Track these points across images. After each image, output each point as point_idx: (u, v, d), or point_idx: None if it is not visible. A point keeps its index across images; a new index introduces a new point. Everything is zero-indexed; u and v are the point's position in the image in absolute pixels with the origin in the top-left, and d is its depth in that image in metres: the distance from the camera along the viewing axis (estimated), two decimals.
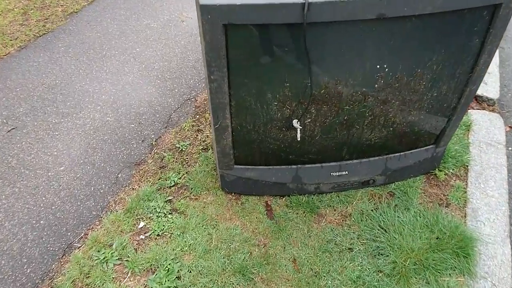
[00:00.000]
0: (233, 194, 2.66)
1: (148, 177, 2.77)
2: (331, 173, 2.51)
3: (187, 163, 2.83)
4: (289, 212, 2.53)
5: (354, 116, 2.16)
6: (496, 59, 3.73)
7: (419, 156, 2.58)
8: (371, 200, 2.59)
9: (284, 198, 2.62)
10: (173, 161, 2.84)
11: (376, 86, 2.03)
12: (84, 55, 3.85)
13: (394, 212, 2.48)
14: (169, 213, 2.53)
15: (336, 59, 1.90)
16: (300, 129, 2.14)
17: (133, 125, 3.16)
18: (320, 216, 2.52)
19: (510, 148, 2.96)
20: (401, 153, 2.53)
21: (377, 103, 2.12)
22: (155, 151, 2.96)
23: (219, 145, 2.31)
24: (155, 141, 3.04)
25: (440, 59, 1.96)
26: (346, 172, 2.52)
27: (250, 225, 2.46)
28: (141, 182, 2.74)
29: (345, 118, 2.16)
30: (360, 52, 1.87)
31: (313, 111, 2.11)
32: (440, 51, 1.92)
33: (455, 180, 2.69)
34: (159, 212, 2.53)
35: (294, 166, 2.47)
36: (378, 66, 1.94)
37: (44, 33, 4.19)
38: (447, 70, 2.02)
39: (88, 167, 2.86)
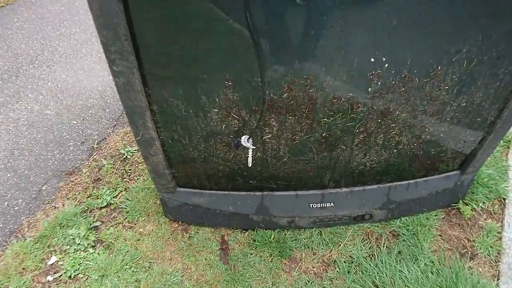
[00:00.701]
0: (180, 223, 1.99)
1: (77, 193, 2.13)
2: (310, 205, 1.80)
3: (128, 176, 2.17)
4: (251, 254, 1.84)
5: (337, 132, 1.44)
6: None
7: (436, 185, 1.84)
8: (365, 242, 1.88)
9: (247, 233, 1.94)
10: (112, 172, 2.18)
11: (369, 90, 1.30)
12: (39, 32, 3.23)
13: (396, 263, 1.76)
14: (91, 246, 1.89)
15: (304, 46, 1.19)
16: (253, 150, 1.43)
17: (75, 122, 2.52)
18: (293, 262, 1.83)
19: None
20: (411, 181, 1.79)
21: (372, 115, 1.39)
22: (95, 157, 2.31)
23: (148, 162, 1.63)
24: (97, 144, 2.39)
25: (474, 51, 1.21)
26: (332, 204, 1.81)
27: (196, 270, 1.79)
28: (67, 198, 2.10)
29: (324, 135, 1.44)
30: (342, 36, 1.14)
31: (274, 123, 1.40)
32: (475, 37, 1.18)
33: (485, 219, 1.93)
34: (79, 243, 1.89)
35: (258, 193, 1.78)
36: (372, 60, 1.22)
37: (2, 6, 3.58)
38: (485, 67, 1.27)
39: (9, 175, 2.25)
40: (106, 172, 2.20)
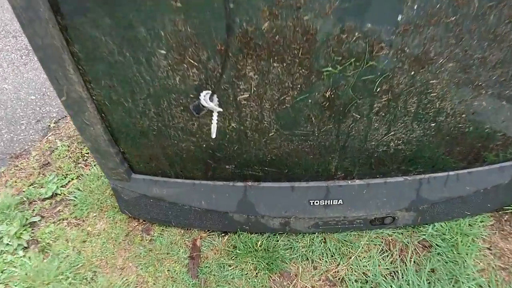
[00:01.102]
0: (141, 221, 1.52)
1: (19, 180, 1.67)
2: (311, 202, 1.31)
3: (85, 161, 1.71)
4: (229, 266, 1.36)
5: (348, 91, 0.95)
6: None
7: (485, 179, 1.33)
8: (385, 255, 1.38)
9: (226, 237, 1.46)
10: (66, 155, 1.73)
11: (399, 19, 0.81)
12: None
13: (429, 285, 1.25)
14: (23, 248, 1.44)
15: None
16: (220, 115, 0.95)
17: (33, 97, 2.09)
18: (286, 278, 1.34)
19: None
20: (450, 173, 1.28)
21: (401, 64, 0.89)
22: (49, 137, 1.86)
23: (84, 135, 1.18)
24: (54, 123, 1.95)
25: None
26: (340, 201, 1.32)
27: (154, 285, 1.32)
28: (7, 186, 1.65)
29: (327, 95, 0.96)
30: None
31: (252, 74, 0.92)
32: None
33: None
34: (7, 244, 1.45)
35: (239, 184, 1.30)
36: None
37: None
38: None
39: None
40: (59, 155, 1.75)
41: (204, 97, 0.90)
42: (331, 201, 1.33)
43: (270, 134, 1.09)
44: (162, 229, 1.50)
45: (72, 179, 1.67)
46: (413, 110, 1.03)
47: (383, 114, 1.03)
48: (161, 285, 1.34)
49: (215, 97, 0.92)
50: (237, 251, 1.40)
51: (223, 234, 1.48)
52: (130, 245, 1.46)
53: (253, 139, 1.12)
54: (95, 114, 1.09)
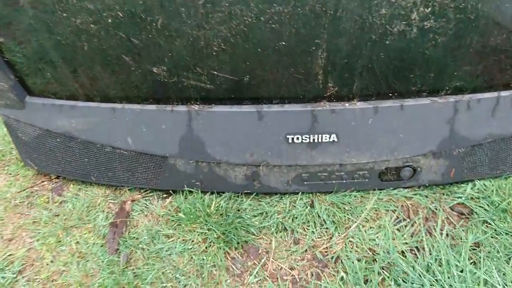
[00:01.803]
0: (54, 178, 1.06)
1: None
2: (288, 137, 0.85)
3: None
4: (168, 237, 0.92)
5: None
6: None
7: None
8: (402, 224, 0.92)
9: (170, 198, 0.99)
10: None
11: None
12: None
13: (474, 266, 0.77)
14: None
15: None
16: None
17: None
18: (252, 256, 0.88)
19: None
20: (502, 93, 0.82)
21: None
22: None
23: None
24: None
25: None
26: (333, 137, 0.86)
27: (52, 262, 0.85)
28: None
29: None
30: None
31: None
32: None
33: None
34: None
35: (180, 109, 0.84)
36: None
37: None
38: None
39: None
40: None
41: None
42: (320, 136, 0.87)
43: (217, 7, 0.65)
44: (80, 189, 1.04)
45: None
46: None
47: None
48: (62, 263, 0.87)
49: None
50: (181, 215, 0.93)
51: (165, 195, 1.02)
52: (30, 209, 1.00)
53: (187, 11, 0.67)
54: None
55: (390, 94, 0.85)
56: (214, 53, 0.75)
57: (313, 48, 0.74)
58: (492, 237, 0.88)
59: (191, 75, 0.80)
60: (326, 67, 0.77)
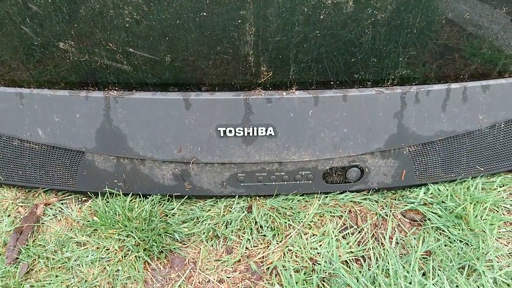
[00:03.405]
0: None
1: None
2: (220, 130, 0.75)
3: None
4: (80, 245, 0.81)
5: None
6: None
7: (508, 103, 0.79)
8: (348, 231, 0.83)
9: (89, 202, 0.87)
10: None
11: None
12: None
13: (424, 276, 0.67)
14: None
15: None
16: None
17: None
18: (176, 268, 0.75)
19: None
20: (453, 85, 0.75)
21: None
22: None
23: None
24: None
25: None
26: (270, 131, 0.77)
27: None
28: None
29: None
30: None
31: None
32: None
33: None
34: None
35: (96, 94, 0.74)
36: None
37: None
38: None
39: None
40: None
41: None
42: (255, 129, 0.77)
43: None
44: None
45: None
46: None
47: None
48: None
49: None
50: (97, 219, 0.81)
51: (84, 198, 0.89)
52: None
53: None
54: None
55: (332, 83, 0.76)
56: (126, 25, 0.65)
57: (239, 21, 0.65)
58: (445, 245, 0.78)
59: (104, 53, 0.70)
60: (257, 46, 0.69)
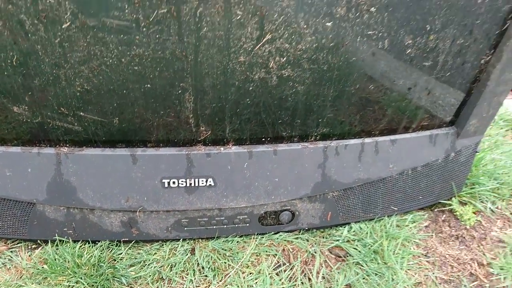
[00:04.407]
0: None
1: None
2: (165, 182, 0.84)
3: None
4: None
5: None
6: None
7: (414, 153, 0.95)
8: (281, 268, 0.93)
9: (39, 249, 0.92)
10: None
11: None
12: None
13: None
14: None
15: None
16: None
17: None
18: None
19: None
20: (366, 140, 0.90)
21: None
22: None
23: None
24: None
25: None
26: (210, 181, 0.87)
27: None
28: None
29: None
30: None
31: None
32: None
33: (501, 228, 1.04)
34: None
35: (48, 151, 0.81)
36: None
37: None
38: None
39: None
40: None
41: None
42: (197, 180, 0.87)
43: (63, 25, 0.64)
44: None
45: None
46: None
47: None
48: None
49: None
50: (47, 267, 0.86)
51: (34, 246, 0.94)
52: None
53: (43, 49, 0.66)
54: None
55: (263, 139, 0.88)
56: (78, 94, 0.74)
57: (180, 91, 0.75)
58: (363, 278, 0.91)
59: (56, 116, 0.77)
60: (196, 110, 0.79)
